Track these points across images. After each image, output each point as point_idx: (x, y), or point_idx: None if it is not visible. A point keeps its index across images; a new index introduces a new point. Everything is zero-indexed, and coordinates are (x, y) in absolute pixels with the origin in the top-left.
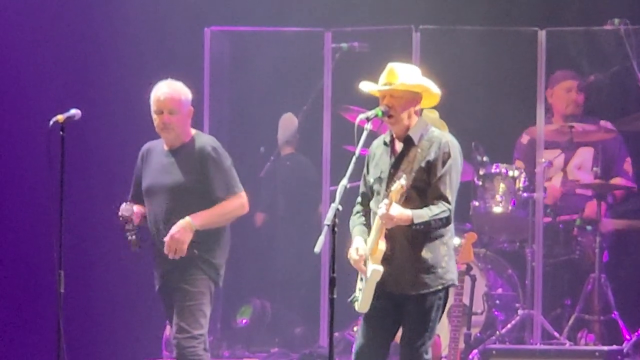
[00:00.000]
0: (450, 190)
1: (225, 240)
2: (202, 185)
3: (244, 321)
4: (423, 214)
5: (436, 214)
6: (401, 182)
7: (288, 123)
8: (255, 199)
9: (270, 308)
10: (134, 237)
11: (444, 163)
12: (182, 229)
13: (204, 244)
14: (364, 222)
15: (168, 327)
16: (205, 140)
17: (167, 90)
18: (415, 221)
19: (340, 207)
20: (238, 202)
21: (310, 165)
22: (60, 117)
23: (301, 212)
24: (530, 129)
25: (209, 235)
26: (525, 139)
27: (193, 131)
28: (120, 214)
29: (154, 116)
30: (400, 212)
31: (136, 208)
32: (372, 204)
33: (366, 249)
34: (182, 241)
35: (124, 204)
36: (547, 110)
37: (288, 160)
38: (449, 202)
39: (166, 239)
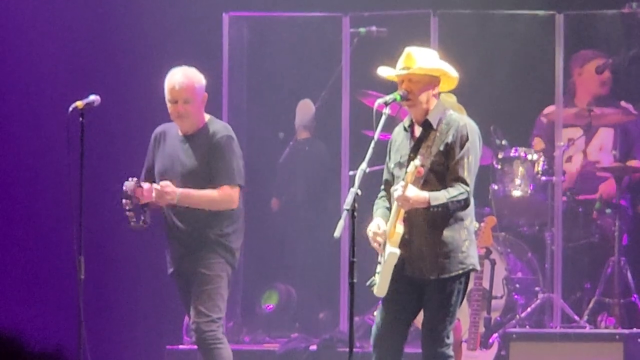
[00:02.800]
0: (469, 172)
1: (240, 224)
2: (209, 171)
3: (270, 307)
4: (440, 196)
5: (454, 196)
6: (415, 162)
7: (305, 108)
8: (272, 184)
9: (297, 294)
10: (131, 213)
11: (462, 146)
12: (168, 192)
13: (219, 227)
14: (388, 207)
15: None
16: (219, 127)
17: (182, 80)
18: (432, 203)
19: (359, 192)
20: (229, 195)
21: (326, 150)
22: (79, 103)
23: (320, 196)
24: (549, 108)
25: (225, 219)
26: (545, 117)
27: (207, 116)
28: (123, 188)
29: (169, 104)
30: (416, 194)
31: (147, 185)
32: (392, 189)
33: (385, 230)
34: (159, 196)
35: (129, 179)
36: (568, 92)
37: (306, 145)
38: (467, 185)
39: (162, 183)
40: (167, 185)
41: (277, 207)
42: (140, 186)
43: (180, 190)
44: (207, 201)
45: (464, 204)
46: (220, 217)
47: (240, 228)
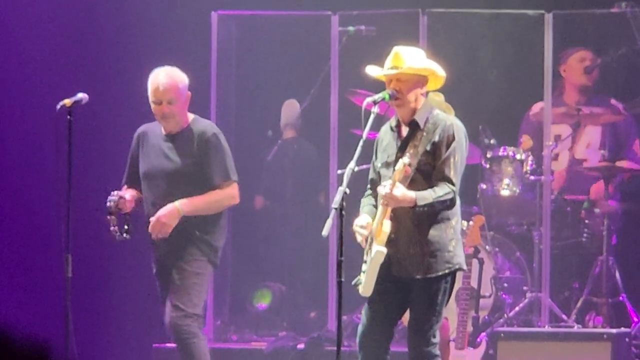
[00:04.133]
0: (455, 172)
1: (223, 222)
2: (200, 170)
3: (263, 306)
4: (426, 196)
5: (440, 196)
6: (404, 160)
7: (291, 108)
8: (257, 182)
9: (287, 293)
10: (115, 228)
11: (448, 145)
12: (169, 212)
13: (204, 225)
14: (374, 204)
15: None
16: (204, 125)
17: (165, 80)
18: (419, 203)
19: (347, 191)
20: (230, 192)
21: (314, 149)
22: (67, 101)
23: (308, 195)
24: (538, 104)
25: (208, 217)
26: (534, 112)
27: (191, 116)
28: (108, 204)
29: (153, 105)
30: (403, 193)
31: (128, 195)
32: (379, 187)
33: (371, 224)
34: (167, 225)
35: (112, 194)
36: (557, 89)
37: (294, 143)
38: (452, 184)
39: (152, 219)
40: (161, 215)
41: (261, 205)
42: (123, 198)
43: (179, 205)
44: (214, 203)
45: (450, 204)
46: (204, 215)
47: (224, 225)
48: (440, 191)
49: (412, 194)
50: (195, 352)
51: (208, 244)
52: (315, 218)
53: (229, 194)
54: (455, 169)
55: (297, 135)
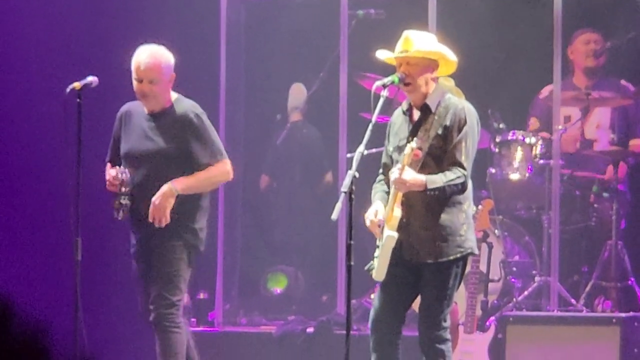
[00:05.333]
0: (466, 156)
1: (204, 203)
2: (184, 152)
3: (277, 291)
4: (437, 180)
5: (451, 180)
6: (412, 145)
7: (297, 91)
8: (266, 165)
9: (302, 277)
10: (127, 201)
11: (459, 130)
12: (164, 194)
13: (182, 206)
14: (386, 191)
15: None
16: (187, 106)
17: (148, 60)
18: (429, 186)
19: (357, 174)
20: (223, 169)
21: (319, 133)
22: (77, 85)
23: (316, 178)
24: (548, 87)
25: (187, 198)
26: (543, 95)
27: (174, 95)
28: (120, 176)
29: (134, 83)
30: (413, 177)
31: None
32: (390, 172)
33: (383, 214)
34: (164, 207)
35: (117, 168)
36: (567, 71)
37: (303, 127)
38: (464, 169)
39: (151, 207)
40: (156, 199)
41: (266, 184)
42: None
43: (172, 185)
44: (208, 180)
45: (462, 188)
46: (184, 195)
47: (206, 207)
48: (452, 175)
49: (422, 177)
50: (174, 344)
51: (186, 227)
52: (324, 201)
53: (222, 170)
54: (467, 154)
55: (303, 118)
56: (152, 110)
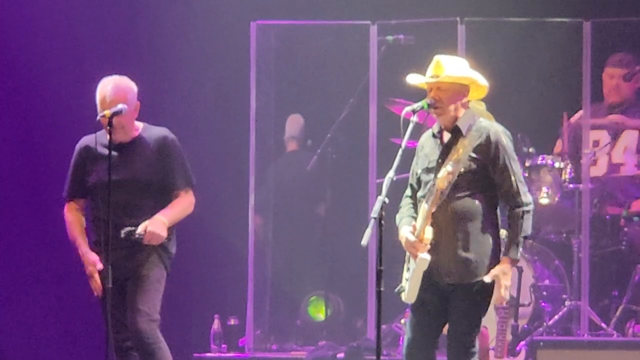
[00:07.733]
0: (518, 182)
1: (174, 231)
2: (162, 176)
3: (319, 316)
4: (514, 248)
5: (518, 233)
6: (447, 168)
7: (295, 121)
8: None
9: (343, 305)
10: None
11: (498, 157)
12: (160, 226)
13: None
14: (413, 215)
15: (216, 320)
16: (161, 131)
17: (113, 91)
18: (517, 257)
19: (387, 200)
20: (191, 200)
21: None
22: (107, 112)
23: (347, 205)
24: (580, 113)
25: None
26: (575, 119)
27: (140, 124)
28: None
29: (100, 115)
30: (505, 274)
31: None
32: (419, 194)
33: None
34: (161, 237)
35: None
36: (598, 96)
37: (298, 156)
38: (522, 200)
39: (143, 232)
40: (153, 229)
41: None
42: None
43: (163, 217)
44: (183, 211)
45: (532, 215)
46: None
47: (174, 233)
48: (516, 227)
49: (507, 264)
50: (162, 358)
51: (166, 251)
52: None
53: (191, 202)
54: (518, 179)
55: (298, 148)
56: (121, 141)
